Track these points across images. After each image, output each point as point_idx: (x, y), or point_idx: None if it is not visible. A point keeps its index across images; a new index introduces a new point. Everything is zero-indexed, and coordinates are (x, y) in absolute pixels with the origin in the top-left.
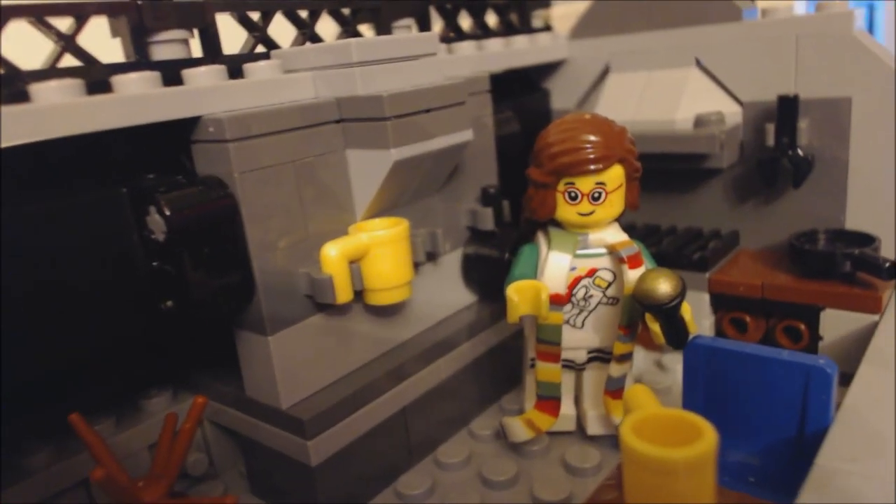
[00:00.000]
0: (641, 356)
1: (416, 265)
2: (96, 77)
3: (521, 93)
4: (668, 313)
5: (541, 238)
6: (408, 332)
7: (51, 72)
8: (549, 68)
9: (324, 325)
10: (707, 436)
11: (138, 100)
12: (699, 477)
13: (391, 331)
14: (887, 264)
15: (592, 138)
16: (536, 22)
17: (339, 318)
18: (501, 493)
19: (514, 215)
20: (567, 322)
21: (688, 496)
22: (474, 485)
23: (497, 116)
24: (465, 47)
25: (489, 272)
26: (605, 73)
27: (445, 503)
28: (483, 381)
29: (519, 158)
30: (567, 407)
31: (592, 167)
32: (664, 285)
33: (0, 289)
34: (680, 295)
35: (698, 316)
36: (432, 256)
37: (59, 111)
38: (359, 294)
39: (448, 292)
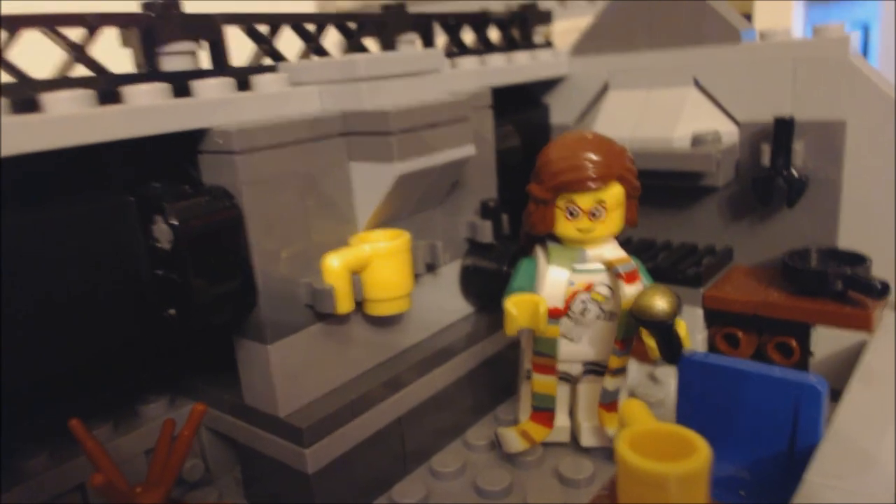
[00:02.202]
0: (635, 368)
1: (416, 276)
2: (106, 87)
3: (521, 108)
4: (664, 330)
5: (539, 252)
6: (405, 341)
7: (61, 81)
8: (550, 84)
9: (323, 335)
10: (701, 451)
11: (149, 111)
12: (692, 491)
13: (389, 340)
14: (878, 284)
15: (593, 157)
16: (537, 38)
17: (338, 328)
18: (495, 503)
19: (512, 228)
20: (564, 335)
21: None
22: (468, 494)
23: (497, 130)
24: (468, 62)
25: (487, 284)
26: (604, 90)
27: None
28: (478, 392)
29: (518, 172)
30: (562, 418)
31: (592, 185)
32: (661, 302)
33: (1, 294)
34: (676, 312)
35: (692, 331)
36: (432, 268)
37: (69, 121)
38: (358, 304)
39: (446, 303)
